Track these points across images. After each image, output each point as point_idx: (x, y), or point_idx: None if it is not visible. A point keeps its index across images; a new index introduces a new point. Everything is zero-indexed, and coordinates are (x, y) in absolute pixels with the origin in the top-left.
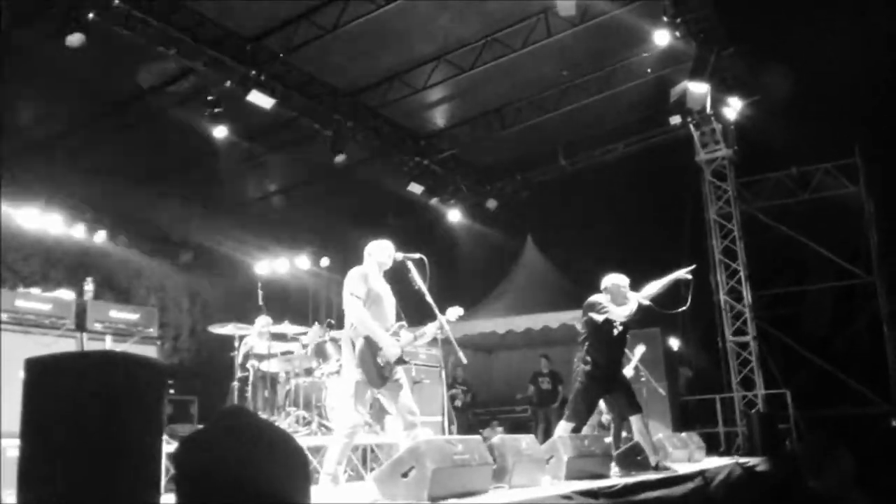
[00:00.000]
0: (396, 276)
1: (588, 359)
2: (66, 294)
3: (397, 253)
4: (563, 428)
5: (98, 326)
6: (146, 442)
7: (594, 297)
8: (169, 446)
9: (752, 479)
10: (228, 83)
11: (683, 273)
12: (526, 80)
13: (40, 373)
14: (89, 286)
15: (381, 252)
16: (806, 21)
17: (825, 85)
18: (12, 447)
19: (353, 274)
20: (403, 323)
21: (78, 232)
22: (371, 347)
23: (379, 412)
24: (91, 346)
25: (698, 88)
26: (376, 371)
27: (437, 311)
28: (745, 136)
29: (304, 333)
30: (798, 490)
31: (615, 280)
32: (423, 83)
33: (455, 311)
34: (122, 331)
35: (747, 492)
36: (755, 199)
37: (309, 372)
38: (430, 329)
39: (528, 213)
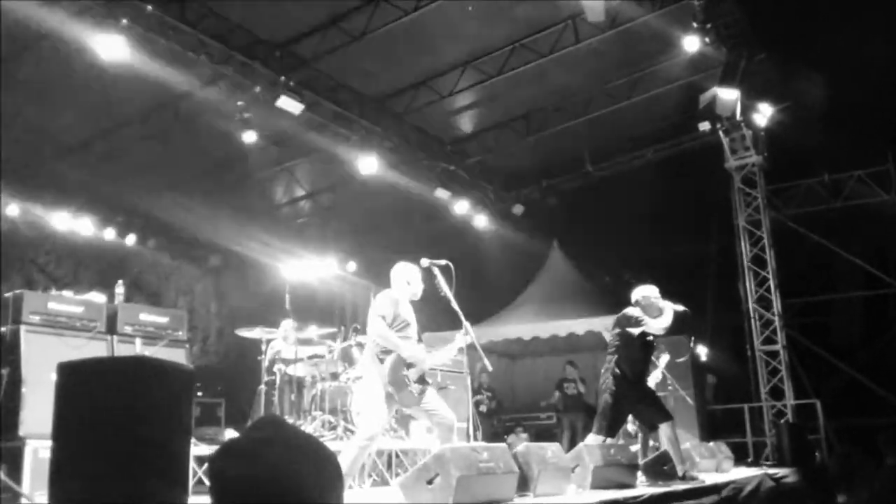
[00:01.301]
0: (423, 283)
1: (617, 371)
2: (98, 297)
3: (423, 259)
4: (593, 441)
5: (128, 329)
6: (174, 444)
7: (629, 311)
8: (196, 448)
9: (782, 491)
10: (258, 89)
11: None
12: (553, 86)
13: (72, 377)
14: (120, 289)
15: (418, 283)
16: (838, 26)
17: (858, 91)
18: (44, 448)
19: (383, 297)
20: (423, 346)
21: (109, 235)
22: (401, 365)
23: (404, 418)
24: (121, 348)
25: (728, 94)
26: (406, 388)
27: (462, 317)
28: (775, 142)
29: (332, 337)
30: None
31: (645, 292)
32: (451, 89)
33: (462, 338)
34: (151, 334)
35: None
36: (785, 206)
37: (335, 376)
38: (449, 350)
39: (554, 219)
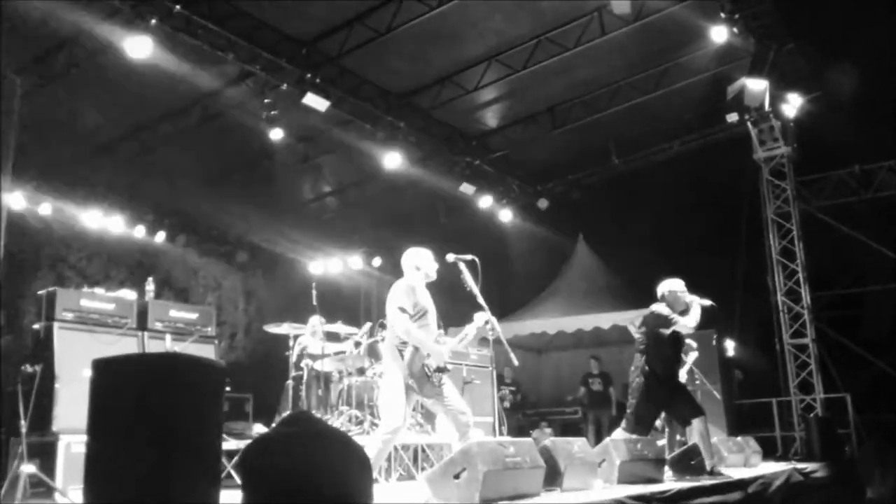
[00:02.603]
0: (448, 277)
1: (647, 370)
2: (128, 294)
3: (449, 254)
4: (620, 436)
5: (158, 326)
6: (207, 439)
7: (658, 309)
8: (225, 443)
9: (811, 486)
10: (284, 86)
11: (707, 302)
12: (579, 80)
13: (107, 373)
14: (150, 286)
15: (429, 265)
16: (867, 15)
17: (889, 79)
18: (76, 443)
19: (400, 287)
20: (443, 332)
21: (139, 233)
22: (420, 357)
23: (429, 412)
24: (152, 344)
25: (756, 85)
26: (427, 380)
27: (487, 311)
28: (804, 133)
29: (356, 333)
30: (858, 500)
31: (671, 286)
32: (475, 84)
33: (482, 316)
34: (181, 330)
35: (805, 499)
36: (815, 197)
37: (361, 371)
38: (469, 330)
39: (579, 213)
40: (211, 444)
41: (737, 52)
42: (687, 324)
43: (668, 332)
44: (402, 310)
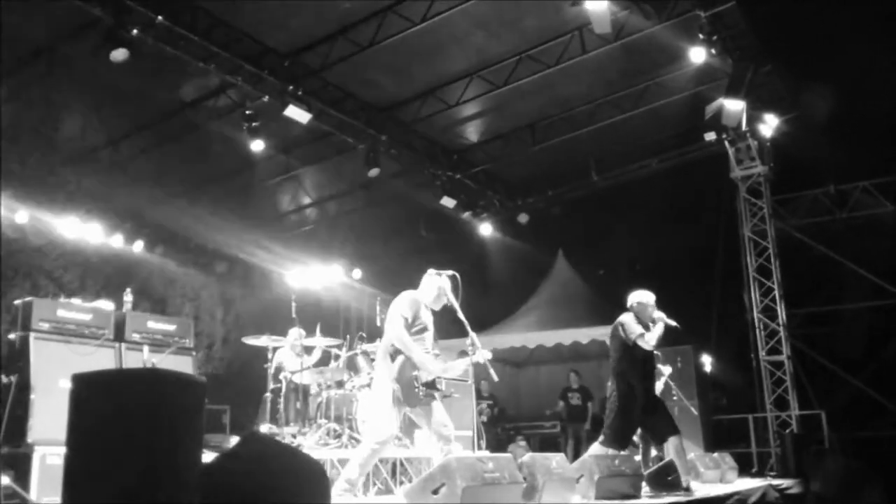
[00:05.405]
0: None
1: (623, 384)
2: (106, 304)
3: (430, 270)
4: (597, 451)
5: (136, 337)
6: (186, 455)
7: (624, 319)
8: (203, 456)
9: (786, 502)
10: (266, 98)
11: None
12: (559, 97)
13: (87, 388)
14: (128, 297)
15: (447, 289)
16: (844, 37)
17: (864, 101)
18: (51, 455)
19: (407, 297)
20: (438, 352)
21: (117, 242)
22: (411, 366)
23: (409, 426)
24: (129, 356)
25: (734, 105)
26: (414, 390)
27: (468, 327)
28: (781, 152)
29: (337, 346)
30: None
31: (641, 298)
32: (457, 99)
33: (484, 354)
34: (159, 341)
35: None
36: (791, 216)
37: (340, 384)
38: (457, 364)
39: (559, 228)
40: (190, 459)
41: (715, 72)
42: (648, 340)
43: (631, 339)
44: (403, 318)
